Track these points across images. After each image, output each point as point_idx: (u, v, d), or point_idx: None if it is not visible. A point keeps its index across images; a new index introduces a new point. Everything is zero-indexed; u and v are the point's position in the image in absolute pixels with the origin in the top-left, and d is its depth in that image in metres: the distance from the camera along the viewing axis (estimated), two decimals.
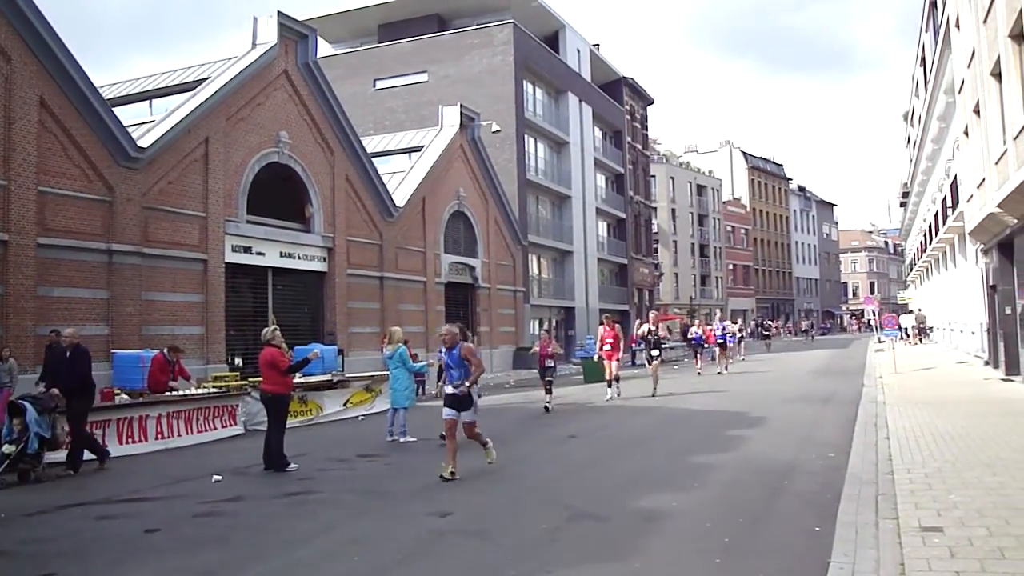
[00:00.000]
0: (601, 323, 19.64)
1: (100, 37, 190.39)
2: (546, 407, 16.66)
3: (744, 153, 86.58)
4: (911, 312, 49.90)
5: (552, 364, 17.28)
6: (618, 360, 18.84)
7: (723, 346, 27.44)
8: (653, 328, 20.27)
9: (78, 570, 6.21)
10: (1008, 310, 18.51)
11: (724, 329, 27.99)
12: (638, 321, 25.12)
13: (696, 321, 28.03)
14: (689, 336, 27.36)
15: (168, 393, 13.98)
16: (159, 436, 13.21)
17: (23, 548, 6.96)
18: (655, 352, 19.95)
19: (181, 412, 13.75)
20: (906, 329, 42.81)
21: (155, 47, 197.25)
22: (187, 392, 14.29)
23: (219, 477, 10.17)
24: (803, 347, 47.75)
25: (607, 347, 18.68)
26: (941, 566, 5.13)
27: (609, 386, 18.73)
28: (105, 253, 17.02)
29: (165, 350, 14.95)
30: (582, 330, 41.94)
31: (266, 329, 11.35)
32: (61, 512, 8.49)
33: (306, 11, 35.84)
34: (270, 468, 10.57)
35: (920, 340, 46.47)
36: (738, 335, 32.75)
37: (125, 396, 13.36)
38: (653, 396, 18.80)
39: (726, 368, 27.07)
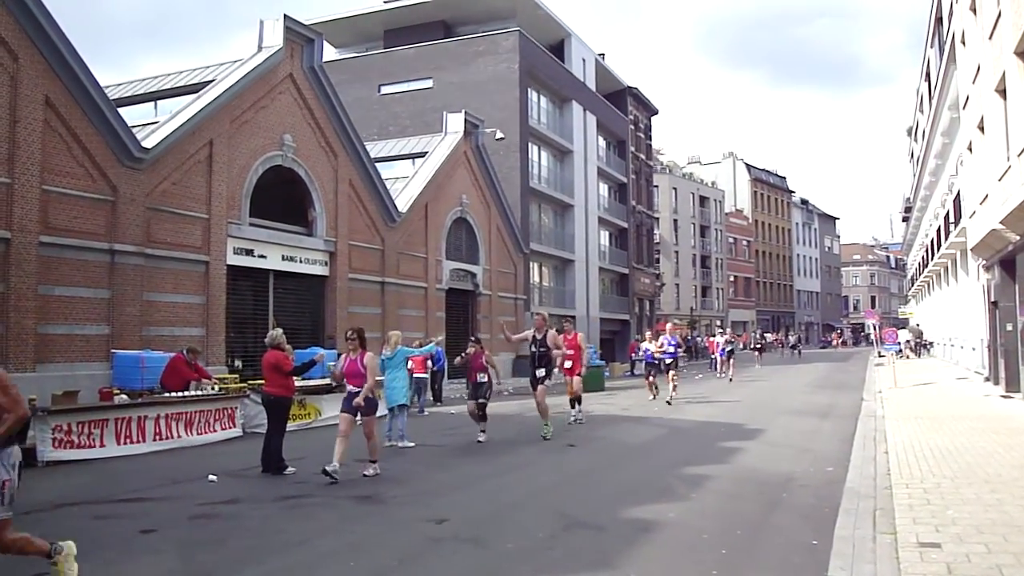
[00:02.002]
0: (559, 330, 16.25)
1: (110, 37, 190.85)
2: (479, 439, 13.36)
3: (747, 165, 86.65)
4: (905, 327, 49.92)
5: (486, 379, 13.79)
6: (579, 375, 16.19)
7: (656, 366, 21.72)
8: (668, 336, 20.93)
9: None
10: (1009, 327, 18.50)
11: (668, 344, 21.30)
12: (648, 333, 24.68)
13: (647, 335, 23.17)
14: (640, 354, 22.33)
15: (181, 393, 14.08)
16: (157, 437, 13.21)
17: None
18: (668, 361, 20.63)
19: (180, 413, 13.74)
20: (900, 344, 42.63)
21: (164, 48, 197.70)
22: (194, 393, 14.35)
23: (214, 477, 10.17)
24: (776, 367, 40.15)
25: (567, 362, 15.93)
26: None
27: (572, 406, 16.10)
28: (107, 253, 17.02)
29: (184, 351, 15.08)
30: (582, 339, 41.82)
31: (272, 332, 11.39)
32: (58, 511, 8.48)
33: (312, 15, 35.96)
34: (268, 471, 10.57)
35: (918, 354, 46.43)
36: (726, 348, 31.06)
37: (124, 396, 13.35)
38: (669, 403, 19.08)
39: (729, 376, 27.43)
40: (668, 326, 21.90)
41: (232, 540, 7.09)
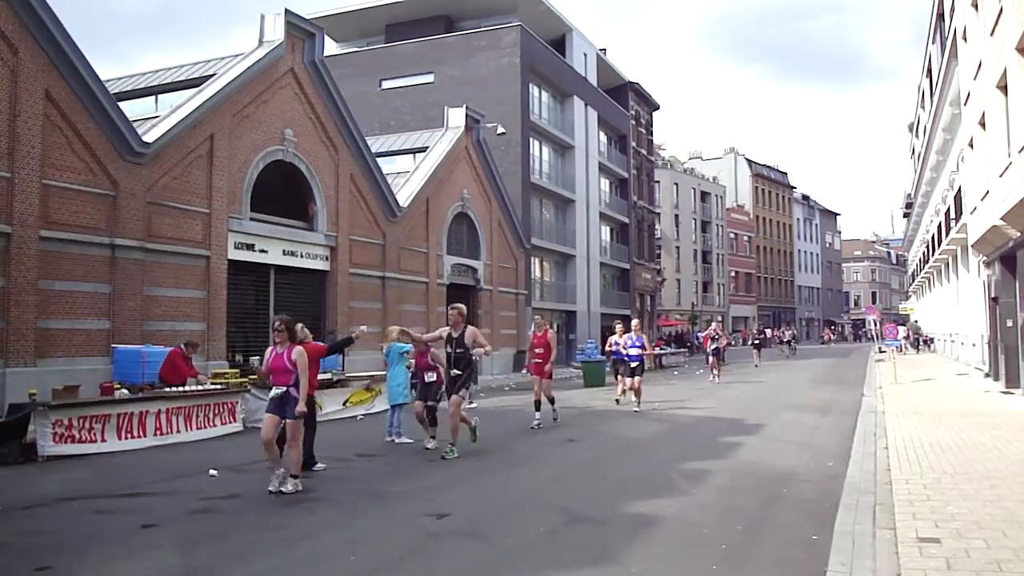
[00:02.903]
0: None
1: (114, 31, 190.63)
2: (427, 445, 12.07)
3: (748, 160, 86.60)
4: (905, 323, 49.89)
5: (435, 379, 12.37)
6: (549, 377, 15.20)
7: (626, 364, 18.41)
8: (634, 336, 17.69)
9: (74, 564, 6.20)
10: (1009, 323, 18.51)
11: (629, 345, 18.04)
12: (619, 325, 19.31)
13: (618, 327, 18.97)
14: (608, 348, 18.87)
15: (181, 388, 14.08)
16: (158, 432, 13.21)
17: (20, 541, 6.96)
18: (633, 365, 17.45)
19: (181, 408, 13.75)
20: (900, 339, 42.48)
21: (168, 42, 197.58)
22: (194, 388, 14.35)
23: (215, 472, 10.17)
24: (775, 363, 38.65)
25: (535, 360, 15.20)
26: None
27: (537, 408, 14.82)
28: (108, 247, 17.02)
29: (183, 345, 15.10)
30: (583, 334, 41.95)
31: (297, 326, 11.18)
32: (58, 505, 8.49)
33: (313, 9, 35.90)
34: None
35: (916, 349, 46.46)
36: (710, 345, 27.65)
37: (125, 391, 13.36)
38: (638, 411, 16.79)
39: (714, 376, 25.68)
40: (634, 322, 18.73)
41: (233, 535, 7.10)
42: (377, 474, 10.21)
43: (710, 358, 27.42)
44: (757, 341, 39.99)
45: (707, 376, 27.20)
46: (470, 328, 11.57)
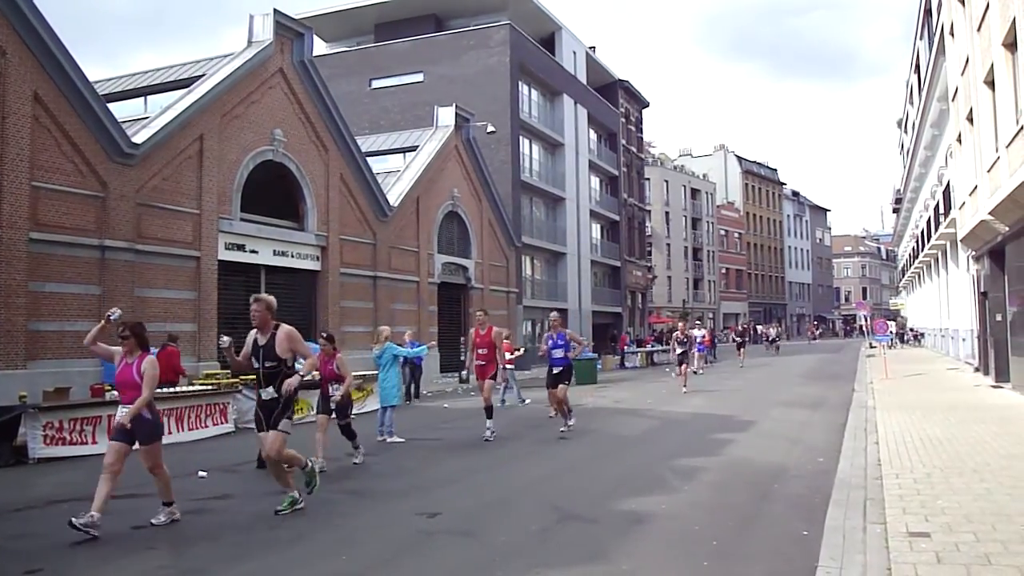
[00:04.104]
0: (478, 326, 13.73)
1: (105, 31, 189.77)
2: (320, 467, 9.37)
3: (738, 157, 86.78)
4: (895, 318, 50.10)
5: (340, 390, 10.64)
6: (493, 379, 13.41)
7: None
8: (554, 334, 14.00)
9: (65, 566, 6.19)
10: (999, 317, 18.59)
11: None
12: (555, 315, 14.89)
13: (554, 317, 14.65)
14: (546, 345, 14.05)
15: (174, 389, 14.12)
16: None
17: (10, 543, 6.94)
18: (556, 371, 13.70)
19: (172, 410, 13.71)
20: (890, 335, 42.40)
21: (159, 41, 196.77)
22: (185, 389, 14.36)
23: (204, 473, 10.17)
24: (762, 360, 38.41)
25: (478, 362, 13.31)
26: (928, 571, 5.15)
27: (488, 416, 12.94)
28: (98, 249, 16.97)
29: (175, 343, 15.25)
30: (574, 332, 41.92)
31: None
32: (49, 508, 8.47)
33: (302, 9, 35.83)
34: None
35: (902, 342, 46.64)
36: (677, 348, 23.65)
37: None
38: (567, 428, 13.36)
39: (683, 383, 21.23)
40: (553, 314, 14.78)
41: (224, 536, 7.09)
42: (369, 474, 10.21)
43: (679, 366, 22.61)
44: (740, 339, 37.59)
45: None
46: (283, 331, 7.75)
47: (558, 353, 13.72)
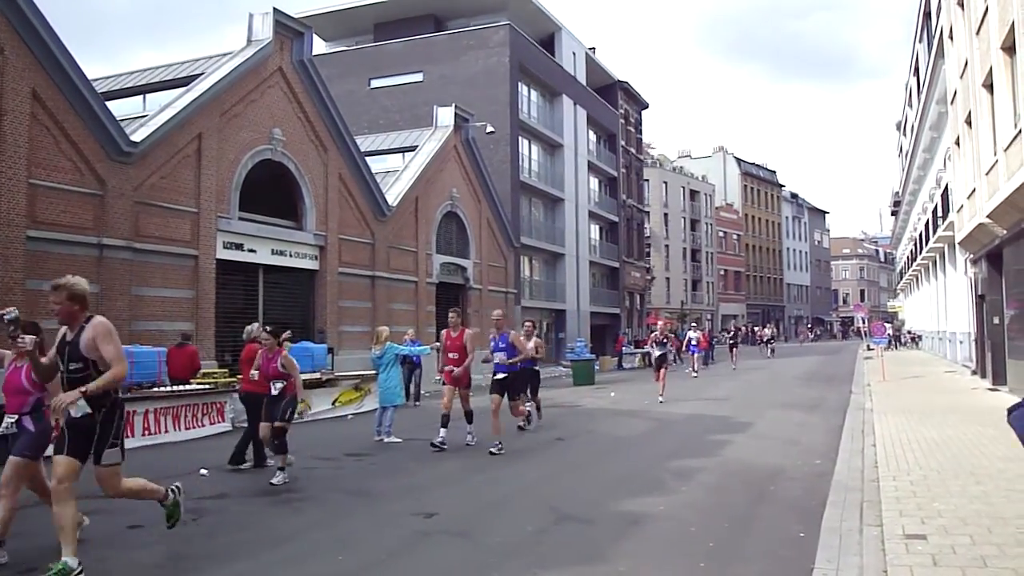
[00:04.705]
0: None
1: (104, 28, 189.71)
2: (272, 480, 9.28)
3: (737, 159, 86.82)
4: (892, 320, 50.17)
5: (282, 388, 9.64)
6: (467, 387, 12.27)
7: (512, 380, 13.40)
8: (496, 336, 12.44)
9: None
10: (996, 320, 18.61)
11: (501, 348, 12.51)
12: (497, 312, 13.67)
13: (497, 318, 12.94)
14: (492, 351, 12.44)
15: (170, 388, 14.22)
16: (146, 432, 13.17)
17: (5, 543, 6.91)
18: (499, 376, 12.29)
19: (169, 408, 13.72)
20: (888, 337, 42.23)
21: (159, 39, 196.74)
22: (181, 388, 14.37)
23: (205, 471, 10.17)
24: (756, 363, 36.11)
25: (447, 367, 12.03)
26: (924, 573, 5.15)
27: (443, 424, 11.80)
28: (96, 247, 16.95)
29: (190, 341, 15.72)
30: (572, 333, 41.99)
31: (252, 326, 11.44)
32: (43, 507, 8.43)
33: (302, 8, 35.81)
34: (259, 465, 10.63)
35: (896, 345, 46.68)
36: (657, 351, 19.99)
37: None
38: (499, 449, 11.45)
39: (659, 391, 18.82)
40: (496, 312, 13.36)
41: (221, 535, 7.09)
42: (365, 474, 10.20)
43: (656, 371, 19.62)
44: (732, 341, 35.83)
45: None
46: (94, 324, 5.87)
47: (500, 357, 12.22)
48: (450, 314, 12.62)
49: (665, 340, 20.35)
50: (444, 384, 12.20)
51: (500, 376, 12.25)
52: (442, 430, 11.75)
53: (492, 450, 11.33)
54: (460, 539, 6.83)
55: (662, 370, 19.38)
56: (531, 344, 13.37)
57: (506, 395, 12.47)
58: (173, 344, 15.65)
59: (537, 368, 13.61)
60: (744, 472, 9.55)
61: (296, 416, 10.14)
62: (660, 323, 21.76)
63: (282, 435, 9.45)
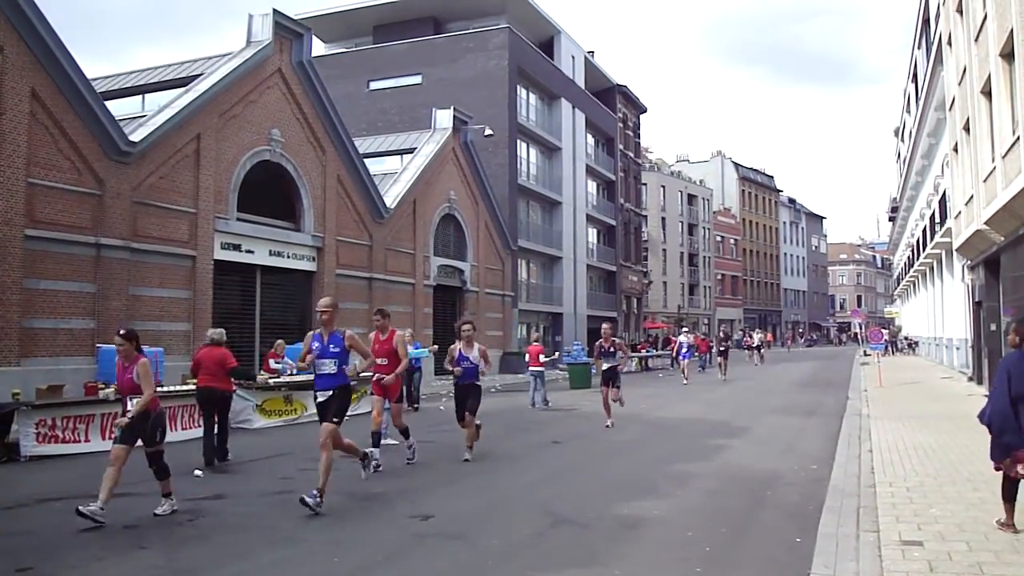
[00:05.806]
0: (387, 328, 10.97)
1: (104, 28, 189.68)
2: (156, 510, 7.87)
3: (735, 164, 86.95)
4: (889, 326, 50.22)
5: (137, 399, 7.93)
6: (398, 400, 11.27)
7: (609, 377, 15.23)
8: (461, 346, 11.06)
9: (56, 565, 6.16)
10: (993, 327, 18.63)
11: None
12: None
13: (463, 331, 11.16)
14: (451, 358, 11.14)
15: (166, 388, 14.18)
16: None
17: (1, 541, 6.91)
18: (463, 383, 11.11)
19: (165, 409, 13.66)
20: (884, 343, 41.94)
21: (159, 39, 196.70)
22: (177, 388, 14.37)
23: (200, 472, 10.15)
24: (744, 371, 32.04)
25: (376, 374, 10.49)
26: None
27: (375, 444, 10.56)
28: (93, 247, 16.92)
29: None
30: (569, 336, 41.99)
31: (218, 330, 12.28)
32: (41, 506, 8.44)
33: (302, 10, 35.86)
34: (221, 460, 11.22)
35: (893, 351, 46.70)
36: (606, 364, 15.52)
37: (110, 391, 13.27)
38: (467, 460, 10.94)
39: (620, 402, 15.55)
40: (462, 323, 11.36)
41: (216, 536, 7.07)
42: (362, 475, 10.17)
43: (603, 386, 15.53)
44: (723, 348, 31.01)
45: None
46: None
47: (465, 366, 10.93)
48: (374, 317, 11.03)
49: (612, 349, 15.59)
50: (374, 395, 10.81)
51: (464, 385, 10.99)
52: (374, 451, 10.13)
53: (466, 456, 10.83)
54: (456, 542, 6.82)
55: (612, 387, 15.16)
56: (475, 351, 11.14)
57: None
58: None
59: (479, 383, 11.17)
60: (741, 477, 9.55)
61: (293, 418, 10.09)
62: (604, 326, 16.11)
63: (159, 459, 7.94)
